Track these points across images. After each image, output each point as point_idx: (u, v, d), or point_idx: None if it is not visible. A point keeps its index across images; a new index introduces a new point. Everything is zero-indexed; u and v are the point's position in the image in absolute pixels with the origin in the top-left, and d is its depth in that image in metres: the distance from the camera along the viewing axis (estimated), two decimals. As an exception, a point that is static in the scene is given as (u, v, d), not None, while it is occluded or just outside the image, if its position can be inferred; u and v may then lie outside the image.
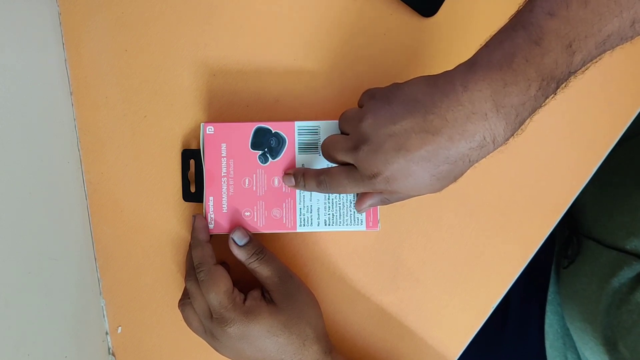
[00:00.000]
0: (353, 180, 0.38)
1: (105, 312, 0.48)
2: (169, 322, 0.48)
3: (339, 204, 0.44)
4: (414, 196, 0.39)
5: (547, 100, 0.32)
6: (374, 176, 0.35)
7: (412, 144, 0.33)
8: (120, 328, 0.48)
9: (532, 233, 0.48)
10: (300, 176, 0.42)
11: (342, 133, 0.41)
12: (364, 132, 0.36)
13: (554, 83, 0.31)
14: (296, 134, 0.44)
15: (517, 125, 0.32)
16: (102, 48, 0.47)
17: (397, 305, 0.48)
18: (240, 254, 0.42)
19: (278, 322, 0.41)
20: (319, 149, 0.44)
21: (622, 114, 0.47)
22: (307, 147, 0.44)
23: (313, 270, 0.48)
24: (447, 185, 0.35)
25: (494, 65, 0.31)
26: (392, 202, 0.41)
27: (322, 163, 0.44)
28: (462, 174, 0.35)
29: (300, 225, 0.44)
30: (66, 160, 0.46)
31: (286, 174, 0.43)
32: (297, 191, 0.44)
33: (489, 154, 0.33)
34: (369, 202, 0.41)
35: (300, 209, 0.44)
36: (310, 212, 0.44)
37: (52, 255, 0.43)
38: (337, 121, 0.43)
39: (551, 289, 0.64)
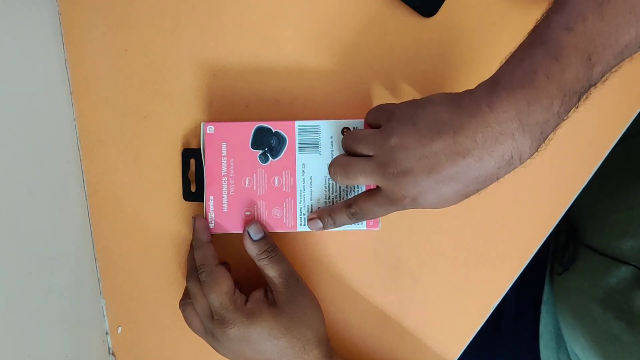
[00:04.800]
0: (382, 206, 0.38)
1: (105, 312, 0.48)
2: (169, 322, 0.48)
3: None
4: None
5: (568, 115, 0.32)
6: (403, 198, 0.35)
7: (442, 167, 0.33)
8: (120, 328, 0.48)
9: (532, 234, 0.48)
10: (327, 216, 0.42)
11: (352, 153, 0.40)
12: (391, 154, 0.35)
13: (575, 97, 0.31)
14: (296, 133, 0.44)
15: (541, 141, 0.32)
16: (102, 48, 0.47)
17: (397, 305, 0.48)
18: (252, 249, 0.42)
19: (279, 325, 0.41)
20: (320, 148, 0.44)
21: (622, 114, 0.48)
22: (308, 147, 0.44)
23: (313, 270, 0.48)
24: None
25: (516, 84, 0.31)
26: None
27: (322, 163, 0.44)
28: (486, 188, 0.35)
29: (300, 225, 0.44)
30: (66, 160, 0.46)
31: (310, 219, 0.43)
32: (298, 190, 0.44)
33: (513, 169, 0.33)
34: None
35: (301, 208, 0.44)
36: (311, 212, 0.44)
37: (52, 255, 0.43)
38: (338, 121, 0.43)
39: (546, 289, 0.64)
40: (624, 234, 0.51)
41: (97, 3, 0.46)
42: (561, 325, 0.59)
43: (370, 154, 0.37)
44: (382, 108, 0.39)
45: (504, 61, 0.34)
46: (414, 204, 0.36)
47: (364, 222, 0.44)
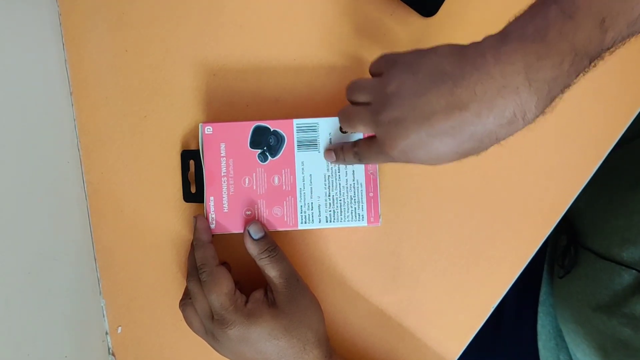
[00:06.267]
0: (375, 153, 0.37)
1: (105, 312, 0.48)
2: (169, 322, 0.48)
3: (340, 199, 0.44)
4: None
5: (577, 78, 0.31)
6: (391, 149, 0.34)
7: (436, 119, 0.31)
8: (120, 328, 0.48)
9: (532, 233, 0.48)
10: (340, 151, 0.42)
11: (353, 102, 0.39)
12: (387, 100, 0.34)
13: (586, 59, 0.30)
14: (295, 131, 0.44)
15: (548, 102, 0.30)
16: (102, 48, 0.47)
17: (397, 305, 0.48)
18: (253, 248, 0.42)
19: (279, 326, 0.41)
20: (318, 146, 0.44)
21: (622, 115, 0.48)
22: (306, 144, 0.44)
23: (313, 270, 0.48)
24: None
25: (527, 37, 0.30)
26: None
27: (321, 160, 0.44)
28: (487, 149, 0.33)
29: (301, 223, 0.44)
30: (66, 160, 0.46)
31: (327, 150, 0.43)
32: (298, 188, 0.44)
33: (516, 131, 0.31)
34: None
35: (301, 206, 0.44)
36: (312, 209, 0.44)
37: (52, 255, 0.43)
38: (337, 118, 0.43)
39: (543, 290, 0.64)
40: (624, 241, 0.51)
41: (97, 3, 0.47)
42: (562, 329, 0.59)
43: (368, 100, 0.37)
44: (386, 56, 0.38)
45: (512, 19, 0.32)
46: (405, 156, 0.34)
47: (365, 218, 0.44)
